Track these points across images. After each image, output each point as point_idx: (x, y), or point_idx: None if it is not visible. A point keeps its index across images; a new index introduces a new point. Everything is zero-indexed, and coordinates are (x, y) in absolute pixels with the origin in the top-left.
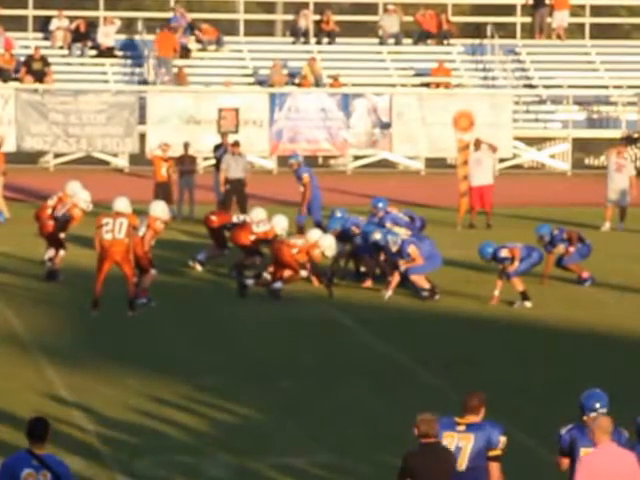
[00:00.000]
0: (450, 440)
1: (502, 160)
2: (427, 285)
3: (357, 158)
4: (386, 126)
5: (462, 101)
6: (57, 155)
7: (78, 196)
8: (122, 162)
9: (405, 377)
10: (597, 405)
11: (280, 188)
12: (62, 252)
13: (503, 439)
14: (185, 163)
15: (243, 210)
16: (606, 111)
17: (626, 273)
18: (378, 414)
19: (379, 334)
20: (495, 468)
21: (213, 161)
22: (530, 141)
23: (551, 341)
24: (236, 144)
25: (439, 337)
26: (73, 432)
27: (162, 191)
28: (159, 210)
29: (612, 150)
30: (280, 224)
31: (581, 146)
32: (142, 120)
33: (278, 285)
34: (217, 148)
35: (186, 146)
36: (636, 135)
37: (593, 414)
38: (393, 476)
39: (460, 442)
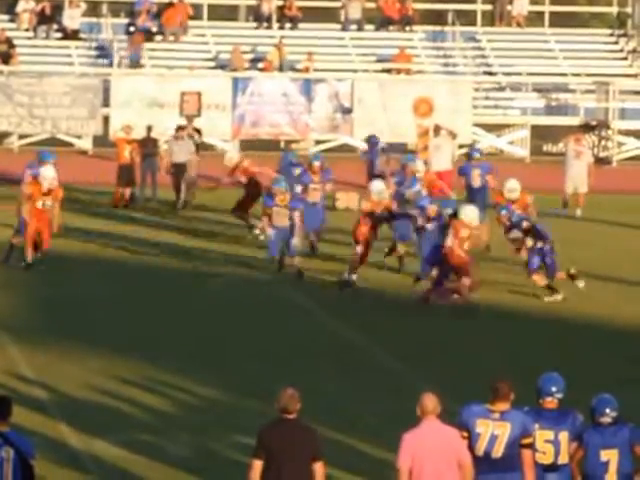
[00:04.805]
0: (485, 428)
1: (461, 146)
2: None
3: (318, 143)
4: (347, 111)
5: (422, 87)
6: (22, 136)
7: None
8: (86, 144)
9: (365, 360)
10: (554, 389)
11: None
12: None
13: (537, 426)
14: (148, 146)
15: (178, 193)
16: (565, 99)
17: (577, 259)
18: (338, 396)
19: (341, 317)
20: (528, 455)
21: None
22: (489, 127)
23: (500, 326)
24: (180, 128)
25: (401, 321)
26: (36, 410)
27: (125, 173)
28: (469, 216)
29: (570, 137)
30: None
31: (540, 133)
32: (106, 103)
33: None
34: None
35: (149, 129)
36: (594, 123)
37: (549, 398)
38: (353, 457)
39: (496, 430)
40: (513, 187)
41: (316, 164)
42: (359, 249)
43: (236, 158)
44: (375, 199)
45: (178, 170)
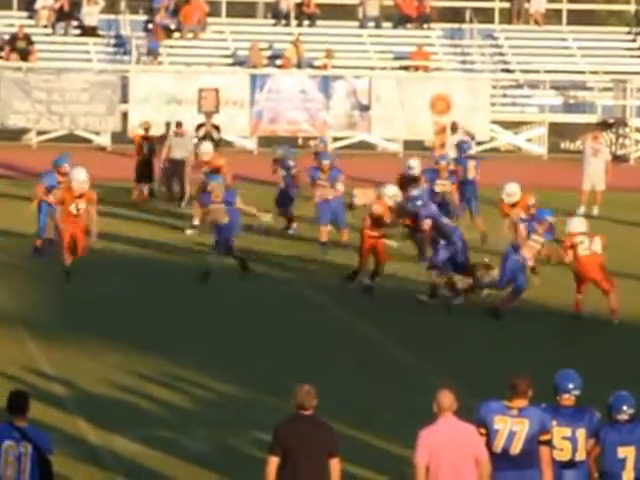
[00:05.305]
0: (503, 425)
1: (479, 143)
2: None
3: (336, 139)
4: (365, 108)
5: (440, 85)
6: (40, 133)
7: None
8: (104, 140)
9: (381, 356)
10: (571, 386)
11: (260, 168)
12: None
13: (554, 423)
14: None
15: (182, 190)
16: (582, 96)
17: None
18: (354, 392)
19: (356, 313)
20: (546, 452)
21: (195, 140)
22: (507, 125)
23: (516, 323)
24: (179, 125)
25: (416, 318)
26: (54, 406)
27: (143, 170)
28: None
29: (588, 135)
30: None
31: (557, 130)
32: (124, 99)
33: None
34: (199, 127)
35: (167, 125)
36: (611, 120)
37: (566, 395)
38: (369, 453)
39: (515, 426)
40: (512, 191)
41: (325, 162)
42: (363, 265)
43: (212, 153)
44: (388, 203)
45: (173, 166)
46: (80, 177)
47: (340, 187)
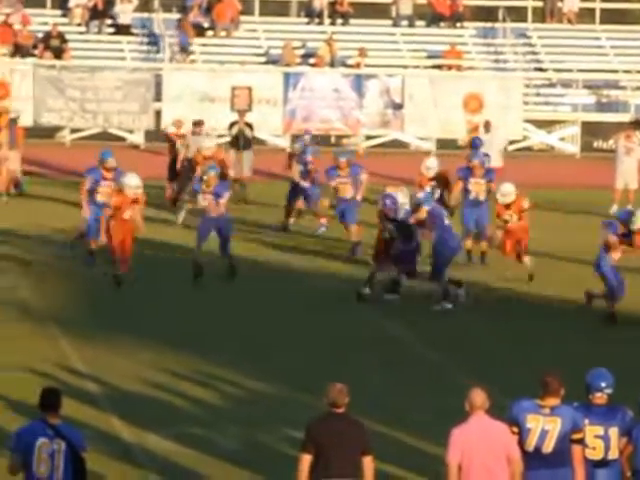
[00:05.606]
0: (535, 423)
1: (512, 142)
2: None
3: (369, 138)
4: (398, 107)
5: (473, 83)
6: (74, 130)
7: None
8: (138, 138)
9: (410, 355)
10: (603, 384)
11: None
12: None
13: (586, 422)
14: None
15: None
16: (615, 95)
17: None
18: (383, 388)
19: (385, 312)
20: (579, 451)
21: (227, 138)
22: (540, 124)
23: (547, 323)
24: (197, 124)
25: (446, 317)
26: (87, 403)
27: (176, 168)
28: None
29: (621, 134)
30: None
31: (590, 129)
32: (158, 97)
33: None
34: (232, 125)
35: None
36: None
37: (599, 394)
38: (401, 451)
39: (547, 425)
40: (507, 191)
41: (342, 160)
42: (375, 268)
43: (214, 148)
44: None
45: (190, 165)
46: (133, 182)
47: (364, 177)
